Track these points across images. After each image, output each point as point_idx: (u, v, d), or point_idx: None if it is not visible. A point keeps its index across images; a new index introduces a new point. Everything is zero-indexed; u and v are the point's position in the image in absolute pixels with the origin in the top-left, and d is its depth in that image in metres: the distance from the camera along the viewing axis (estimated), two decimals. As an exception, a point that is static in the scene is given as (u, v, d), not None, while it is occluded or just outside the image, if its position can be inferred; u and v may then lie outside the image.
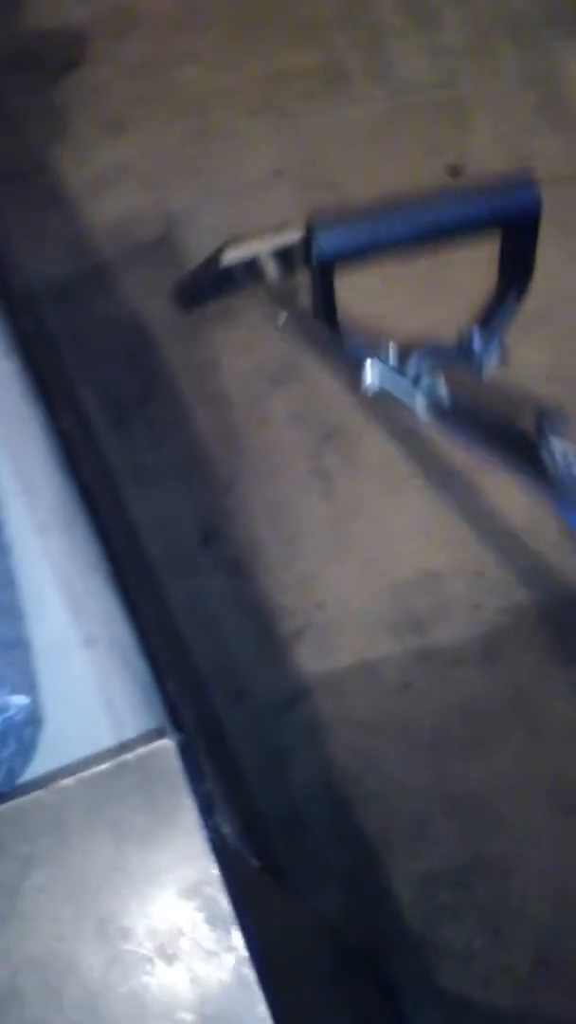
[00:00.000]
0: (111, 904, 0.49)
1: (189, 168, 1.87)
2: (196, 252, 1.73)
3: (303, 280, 1.40)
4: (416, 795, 1.19)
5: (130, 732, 0.62)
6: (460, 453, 1.37)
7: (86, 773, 0.53)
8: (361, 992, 0.89)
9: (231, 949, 0.49)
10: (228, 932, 0.49)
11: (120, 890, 0.50)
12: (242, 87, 1.97)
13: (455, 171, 1.73)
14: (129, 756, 0.54)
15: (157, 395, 1.57)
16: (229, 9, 2.12)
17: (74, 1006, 0.48)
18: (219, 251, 1.49)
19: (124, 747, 0.55)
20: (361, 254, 0.72)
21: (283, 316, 1.49)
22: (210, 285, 1.54)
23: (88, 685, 0.67)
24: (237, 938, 0.49)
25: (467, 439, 0.73)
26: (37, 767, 0.61)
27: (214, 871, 0.50)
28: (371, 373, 0.80)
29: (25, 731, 0.61)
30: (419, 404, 0.78)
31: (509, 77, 1.84)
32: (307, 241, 0.69)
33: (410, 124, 1.82)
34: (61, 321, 1.67)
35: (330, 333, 0.83)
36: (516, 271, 0.76)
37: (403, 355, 0.80)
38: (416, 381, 0.78)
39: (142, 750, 0.52)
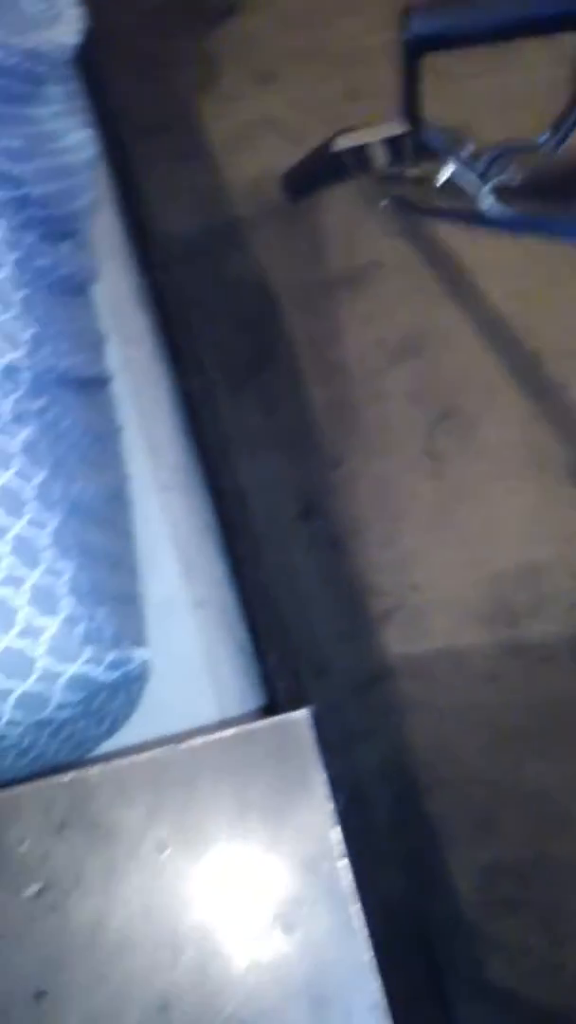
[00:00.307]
0: (231, 867, 0.49)
1: (338, 125, 1.83)
2: (335, 218, 1.71)
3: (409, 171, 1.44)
4: (488, 787, 1.19)
5: (231, 698, 0.63)
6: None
7: (217, 735, 0.53)
8: (408, 975, 0.91)
9: (349, 926, 0.48)
10: (347, 909, 0.49)
11: (241, 854, 0.49)
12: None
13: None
14: (263, 723, 0.53)
15: (275, 362, 1.58)
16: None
17: (187, 964, 0.49)
18: (331, 139, 1.54)
19: (259, 713, 0.55)
20: (450, 39, 0.78)
21: (386, 202, 1.58)
22: (320, 172, 1.60)
23: (195, 647, 0.68)
24: (356, 915, 0.48)
25: (535, 222, 0.77)
26: (136, 722, 0.62)
27: (339, 847, 0.49)
28: (444, 171, 0.87)
29: (135, 685, 0.61)
30: (485, 193, 0.83)
31: None
32: (402, 28, 0.76)
33: None
34: (190, 279, 1.69)
35: (412, 124, 0.87)
36: None
37: (478, 154, 0.86)
38: (485, 173, 0.84)
39: (276, 719, 0.52)
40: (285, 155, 1.81)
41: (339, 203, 1.73)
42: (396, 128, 1.50)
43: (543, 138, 0.84)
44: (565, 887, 1.13)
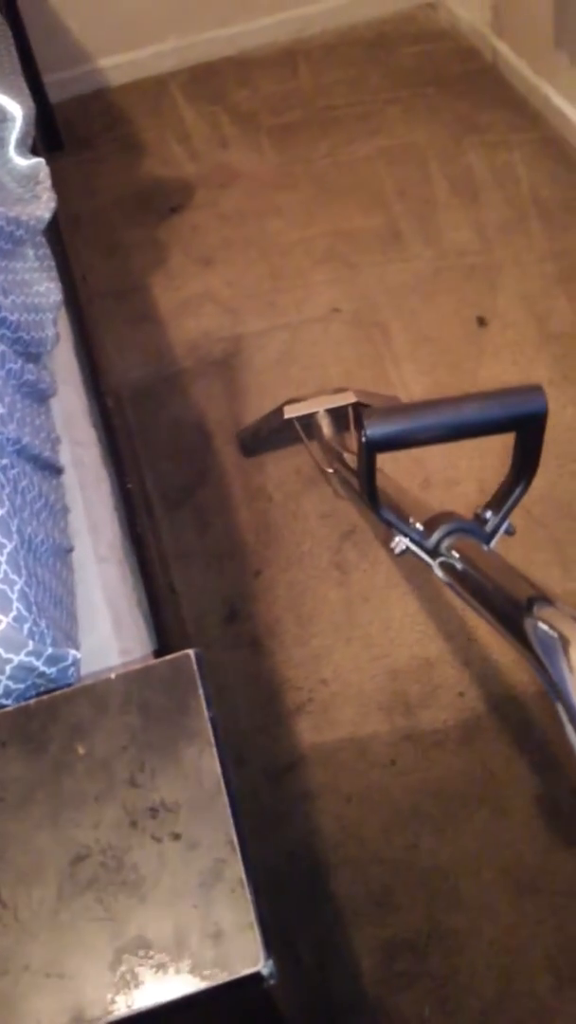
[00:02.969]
0: (134, 765, 0.56)
1: (262, 301, 2.07)
2: (259, 370, 1.90)
3: (352, 437, 1.56)
4: (388, 865, 1.22)
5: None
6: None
7: (126, 670, 0.62)
8: None
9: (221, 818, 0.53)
10: (215, 800, 0.54)
11: (143, 754, 0.56)
12: (314, 239, 2.18)
13: (481, 322, 1.88)
14: (160, 660, 0.62)
15: (207, 487, 1.70)
16: (313, 177, 2.37)
17: (102, 846, 0.52)
18: (281, 406, 1.66)
19: (157, 654, 0.63)
20: (401, 443, 0.83)
21: (332, 471, 1.56)
22: (270, 436, 1.70)
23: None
24: (223, 808, 0.54)
25: (472, 599, 0.82)
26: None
27: (213, 750, 0.56)
28: (399, 541, 0.93)
29: (69, 683, 0.68)
30: (436, 568, 0.88)
31: (534, 251, 2.01)
32: (359, 429, 0.81)
33: (449, 281, 1.99)
34: (136, 416, 1.84)
35: (369, 505, 0.92)
36: (525, 465, 0.86)
37: (427, 526, 0.90)
38: (435, 550, 0.89)
39: (170, 656, 0.60)
40: (220, 322, 2.03)
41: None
42: (341, 399, 1.67)
43: (487, 515, 0.91)
44: (456, 959, 1.14)
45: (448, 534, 0.88)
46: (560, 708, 0.59)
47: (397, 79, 2.64)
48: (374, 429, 0.79)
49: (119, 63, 2.85)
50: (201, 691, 0.57)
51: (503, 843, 1.22)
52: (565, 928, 1.15)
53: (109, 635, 0.75)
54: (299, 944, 1.17)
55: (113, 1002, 0.46)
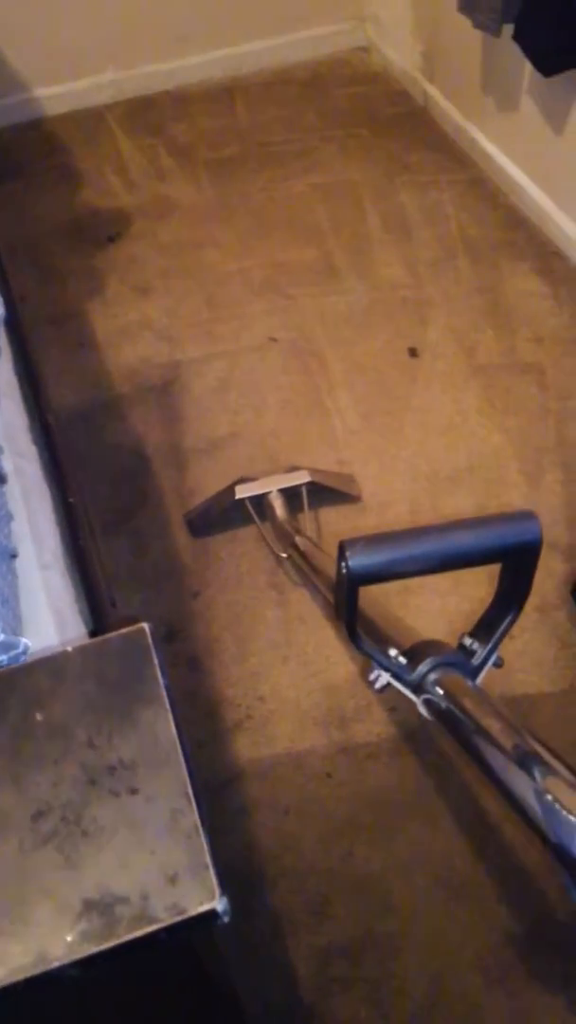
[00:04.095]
0: (92, 729, 0.61)
1: (200, 330, 2.19)
2: (198, 397, 2.01)
3: (306, 518, 1.63)
4: (324, 875, 1.31)
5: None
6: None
7: (83, 643, 0.67)
8: None
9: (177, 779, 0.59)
10: (171, 757, 0.60)
11: (100, 719, 0.62)
12: (252, 270, 2.33)
13: (413, 353, 2.04)
14: (116, 633, 0.68)
15: (146, 510, 1.79)
16: (250, 210, 2.53)
17: (61, 802, 0.58)
18: (232, 486, 1.68)
19: (112, 627, 0.69)
20: (385, 576, 0.79)
21: (285, 555, 1.58)
22: (221, 516, 1.70)
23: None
24: (178, 764, 0.60)
25: (460, 745, 0.78)
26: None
27: (168, 713, 0.62)
28: (379, 677, 0.87)
29: None
30: (420, 705, 0.84)
31: (463, 285, 2.20)
32: (340, 559, 0.77)
33: (382, 314, 2.15)
34: (75, 441, 1.92)
35: (347, 636, 0.88)
36: (515, 593, 0.83)
37: (410, 657, 0.84)
38: (418, 686, 0.84)
39: (125, 630, 0.67)
40: (158, 349, 2.15)
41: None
42: (295, 479, 1.66)
43: (473, 645, 0.86)
44: (389, 963, 1.23)
45: (433, 668, 0.83)
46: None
47: (332, 119, 2.84)
48: (357, 560, 0.75)
49: (57, 93, 2.99)
50: (156, 660, 0.65)
51: (435, 851, 1.32)
52: (494, 931, 1.25)
53: (53, 640, 0.82)
54: (239, 953, 1.24)
55: (76, 944, 0.53)
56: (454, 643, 0.93)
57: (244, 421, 1.95)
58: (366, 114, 2.85)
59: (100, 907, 0.55)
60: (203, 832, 0.57)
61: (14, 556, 0.84)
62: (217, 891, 0.55)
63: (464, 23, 2.18)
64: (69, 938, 0.54)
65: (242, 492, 1.67)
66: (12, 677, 0.64)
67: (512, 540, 0.78)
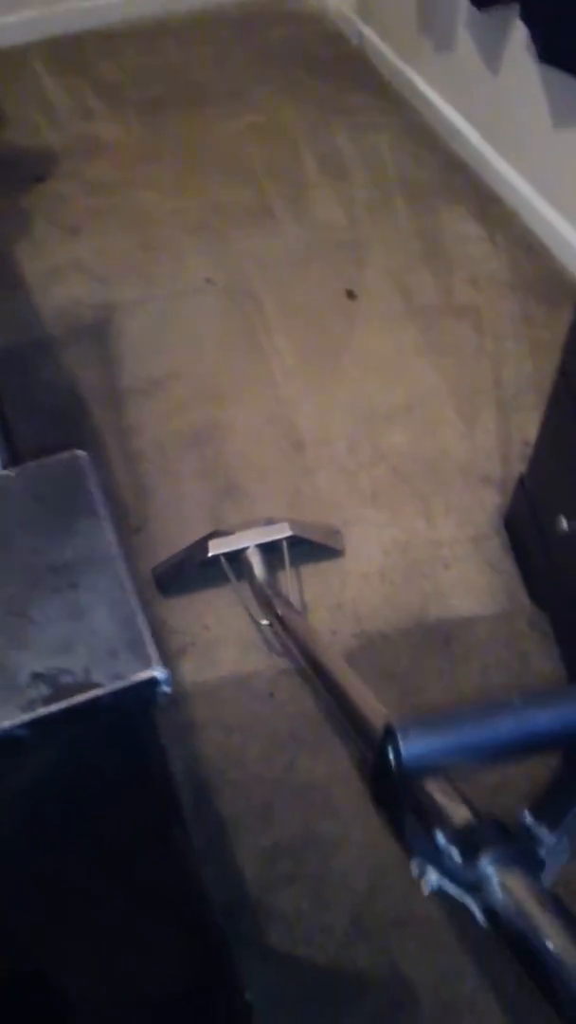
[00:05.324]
0: (36, 540, 0.68)
1: (134, 270, 2.27)
2: (134, 338, 2.10)
3: (286, 577, 1.60)
4: (268, 784, 1.44)
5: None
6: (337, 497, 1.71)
7: (23, 466, 0.74)
8: (202, 954, 1.08)
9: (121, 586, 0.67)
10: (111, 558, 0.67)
11: (43, 530, 0.69)
12: (186, 211, 2.41)
13: (350, 294, 2.16)
14: (54, 457, 0.74)
15: (82, 449, 1.87)
16: (183, 151, 2.60)
17: (4, 599, 0.64)
18: (204, 540, 1.61)
19: (48, 452, 0.77)
20: (441, 764, 0.66)
21: (267, 623, 1.54)
22: (193, 573, 1.63)
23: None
24: (119, 563, 0.67)
25: (518, 958, 0.65)
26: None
27: (108, 523, 0.69)
28: (430, 877, 0.71)
29: None
30: (476, 911, 0.68)
31: (400, 228, 2.33)
32: (384, 744, 0.65)
33: (319, 255, 2.27)
34: (6, 383, 1.98)
35: (395, 837, 0.75)
36: None
37: (464, 849, 0.69)
38: (477, 886, 0.68)
39: (64, 454, 0.74)
40: (90, 291, 2.21)
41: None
42: (275, 533, 1.60)
43: (536, 824, 0.69)
44: (330, 860, 1.37)
45: (493, 862, 0.67)
46: None
47: (265, 59, 2.92)
48: (412, 748, 0.62)
49: (-25, 25, 2.99)
50: (95, 479, 0.74)
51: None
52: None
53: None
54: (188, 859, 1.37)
55: (25, 706, 0.60)
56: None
57: (182, 362, 2.04)
58: (300, 55, 2.94)
59: (47, 678, 0.62)
60: (142, 614, 0.64)
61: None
62: (156, 661, 0.62)
63: (397, -38, 2.28)
64: (19, 703, 0.60)
65: (216, 548, 1.60)
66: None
67: None
